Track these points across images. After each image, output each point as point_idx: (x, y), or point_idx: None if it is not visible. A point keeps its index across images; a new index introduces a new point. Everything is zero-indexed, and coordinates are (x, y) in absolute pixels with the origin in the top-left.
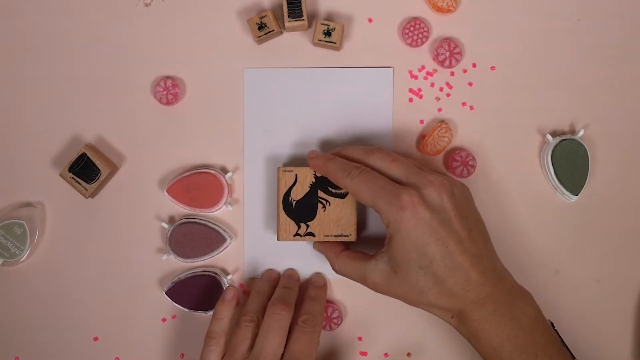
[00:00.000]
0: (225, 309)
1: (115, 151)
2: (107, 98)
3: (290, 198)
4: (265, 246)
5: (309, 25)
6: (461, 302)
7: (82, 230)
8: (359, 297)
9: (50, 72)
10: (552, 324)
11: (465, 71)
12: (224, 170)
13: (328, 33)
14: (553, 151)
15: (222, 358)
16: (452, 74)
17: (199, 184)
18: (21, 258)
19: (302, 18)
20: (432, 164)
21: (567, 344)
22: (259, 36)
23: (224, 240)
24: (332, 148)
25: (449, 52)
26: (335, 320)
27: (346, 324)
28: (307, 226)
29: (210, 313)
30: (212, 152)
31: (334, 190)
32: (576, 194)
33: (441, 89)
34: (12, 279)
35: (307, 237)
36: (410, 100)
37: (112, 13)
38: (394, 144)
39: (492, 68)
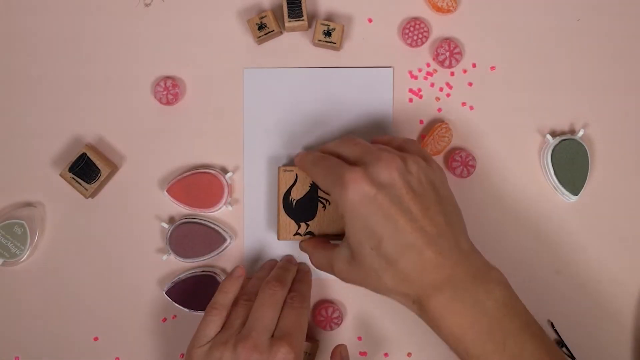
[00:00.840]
0: (232, 284)
1: (115, 151)
2: (107, 98)
3: (290, 197)
4: (265, 246)
5: (309, 26)
6: (418, 285)
7: (82, 230)
8: (359, 297)
9: (50, 72)
10: (552, 324)
11: (465, 71)
12: (224, 170)
13: (328, 33)
14: (553, 151)
15: (219, 331)
16: (452, 74)
17: (199, 184)
18: (21, 258)
19: (302, 18)
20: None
21: (567, 344)
22: (259, 36)
23: (224, 240)
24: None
25: (449, 52)
26: (335, 320)
27: (346, 324)
28: (307, 225)
29: None
30: (212, 152)
31: None
32: (576, 194)
33: (441, 89)
34: (12, 279)
35: (307, 236)
36: (410, 100)
37: (113, 13)
38: None
39: (492, 68)
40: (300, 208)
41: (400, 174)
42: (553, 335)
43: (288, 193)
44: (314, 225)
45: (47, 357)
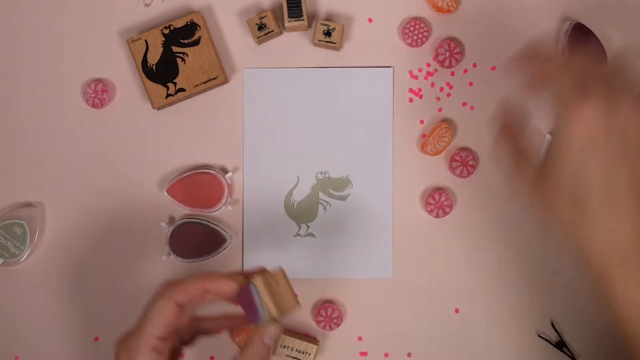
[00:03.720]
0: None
1: (115, 151)
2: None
3: (148, 64)
4: (265, 246)
5: (309, 26)
6: (608, 251)
7: (82, 231)
8: (359, 297)
9: (49, 71)
10: (552, 324)
11: (465, 71)
12: (224, 170)
13: (328, 33)
14: None
15: None
16: (452, 74)
17: (199, 184)
18: (21, 258)
19: (302, 18)
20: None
21: (567, 343)
22: (259, 36)
23: (224, 240)
24: (332, 148)
25: (449, 52)
26: (335, 320)
27: (346, 324)
28: (175, 84)
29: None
30: (212, 152)
31: (186, 41)
32: None
33: (441, 89)
34: (12, 279)
35: (179, 94)
36: (410, 100)
37: (113, 13)
38: (394, 144)
39: (492, 68)
40: (161, 70)
41: (635, 129)
42: (553, 335)
43: (145, 60)
44: (181, 80)
45: (47, 357)
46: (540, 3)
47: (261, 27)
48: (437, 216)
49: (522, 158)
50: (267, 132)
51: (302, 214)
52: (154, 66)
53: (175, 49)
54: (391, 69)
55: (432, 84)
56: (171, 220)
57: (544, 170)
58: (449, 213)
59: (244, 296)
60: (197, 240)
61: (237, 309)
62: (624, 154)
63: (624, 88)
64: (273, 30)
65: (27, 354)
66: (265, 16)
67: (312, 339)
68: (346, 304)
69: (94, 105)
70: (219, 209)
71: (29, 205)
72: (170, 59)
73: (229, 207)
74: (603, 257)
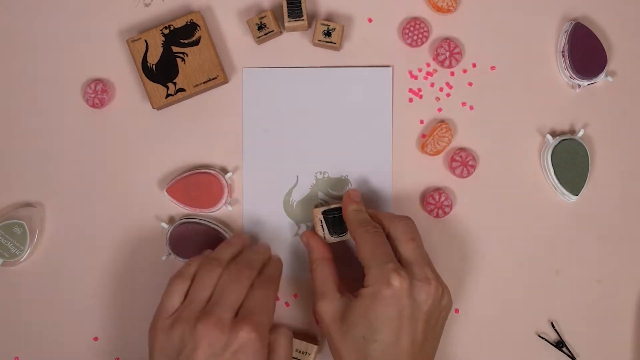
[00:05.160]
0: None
1: (115, 151)
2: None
3: (148, 64)
4: None
5: (309, 26)
6: None
7: (82, 230)
8: None
9: (49, 71)
10: (552, 324)
11: (465, 71)
12: (224, 170)
13: (328, 33)
14: (553, 151)
15: (182, 301)
16: (452, 74)
17: (199, 184)
18: (21, 258)
19: (302, 18)
20: (433, 166)
21: (567, 343)
22: (259, 36)
23: (223, 240)
24: (331, 148)
25: (449, 52)
26: None
27: None
28: (175, 84)
29: None
30: (212, 152)
31: (186, 41)
32: (576, 194)
33: (441, 89)
34: (12, 279)
35: (179, 94)
36: (410, 100)
37: (113, 13)
38: (394, 144)
39: (492, 68)
40: (161, 70)
41: (433, 303)
42: (553, 335)
43: (145, 60)
44: (181, 80)
45: (47, 357)
46: (540, 3)
47: (261, 27)
48: (437, 216)
49: (330, 287)
50: (267, 132)
51: (301, 213)
52: (153, 66)
53: (175, 49)
54: (391, 68)
55: (432, 84)
56: (171, 220)
57: (348, 306)
58: (449, 213)
59: None
60: (197, 240)
61: None
62: (412, 322)
63: (424, 262)
64: (273, 30)
65: (27, 354)
66: (265, 16)
67: (312, 339)
68: None
69: (94, 105)
70: (219, 209)
71: (29, 205)
72: (170, 59)
73: (229, 207)
74: None
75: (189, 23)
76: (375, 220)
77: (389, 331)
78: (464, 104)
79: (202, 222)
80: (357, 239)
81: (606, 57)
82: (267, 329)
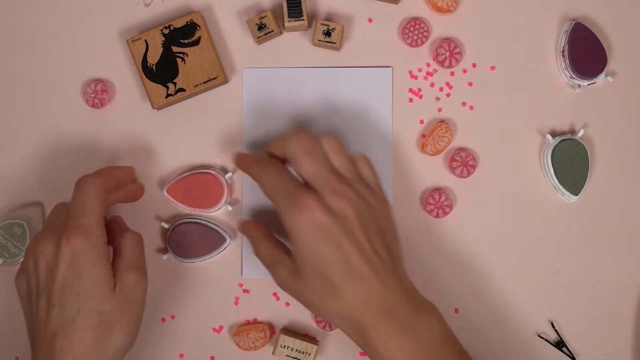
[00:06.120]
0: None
1: (115, 151)
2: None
3: (148, 64)
4: None
5: (309, 26)
6: (361, 313)
7: None
8: None
9: (49, 71)
10: (552, 324)
11: (465, 71)
12: (224, 170)
13: (328, 33)
14: (553, 151)
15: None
16: (452, 74)
17: (199, 184)
18: (21, 258)
19: (302, 18)
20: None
21: (567, 343)
22: (259, 36)
23: (224, 240)
24: None
25: (449, 52)
26: None
27: None
28: (175, 84)
29: None
30: (212, 152)
31: (186, 41)
32: (576, 194)
33: (441, 89)
34: (12, 279)
35: (179, 94)
36: (410, 100)
37: (113, 13)
38: (394, 144)
39: (492, 68)
40: (161, 70)
41: (353, 206)
42: (553, 335)
43: (145, 60)
44: (181, 80)
45: None
46: (540, 3)
47: (261, 27)
48: (437, 216)
49: (279, 253)
50: (267, 132)
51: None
52: (153, 66)
53: (175, 49)
54: (391, 68)
55: (432, 84)
56: (171, 220)
57: (295, 264)
58: (449, 213)
59: None
60: (197, 240)
61: None
62: (348, 234)
63: (336, 170)
64: (273, 30)
65: (27, 354)
66: (265, 16)
67: (312, 339)
68: None
69: (93, 105)
70: (219, 209)
71: (28, 205)
72: (170, 59)
73: (229, 207)
74: (359, 315)
75: (189, 23)
76: (274, 150)
77: (332, 253)
78: (464, 104)
79: (202, 222)
80: (255, 177)
81: (606, 57)
82: (97, 233)
